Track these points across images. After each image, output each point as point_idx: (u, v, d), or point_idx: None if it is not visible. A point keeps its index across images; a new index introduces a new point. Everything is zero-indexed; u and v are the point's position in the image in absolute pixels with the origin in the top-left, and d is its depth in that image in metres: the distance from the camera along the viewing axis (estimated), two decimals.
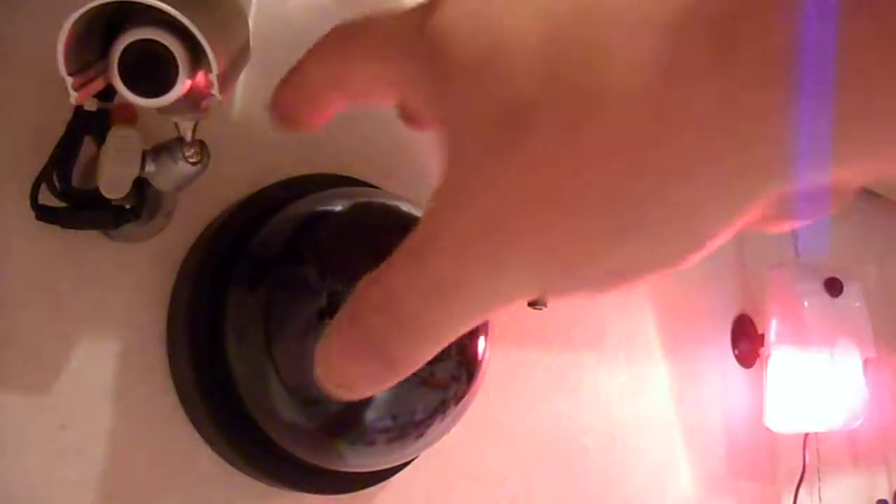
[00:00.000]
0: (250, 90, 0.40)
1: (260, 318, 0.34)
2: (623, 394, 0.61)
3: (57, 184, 0.31)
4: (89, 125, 0.31)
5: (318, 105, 0.22)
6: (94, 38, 0.27)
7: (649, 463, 0.63)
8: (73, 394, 0.34)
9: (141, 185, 0.31)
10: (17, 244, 0.32)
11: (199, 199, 0.37)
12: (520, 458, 0.52)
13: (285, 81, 0.23)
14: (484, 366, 0.37)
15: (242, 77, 0.38)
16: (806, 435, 0.78)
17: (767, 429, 0.72)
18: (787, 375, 0.71)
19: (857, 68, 0.13)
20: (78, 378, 0.34)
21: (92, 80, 0.26)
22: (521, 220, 0.15)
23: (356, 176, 0.42)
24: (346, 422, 0.34)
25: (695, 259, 0.16)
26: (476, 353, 0.36)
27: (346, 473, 0.39)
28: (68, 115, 0.31)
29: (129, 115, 0.31)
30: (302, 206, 0.37)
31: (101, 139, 0.30)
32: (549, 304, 0.49)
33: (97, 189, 0.30)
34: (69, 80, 0.25)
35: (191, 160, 0.30)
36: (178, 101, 0.26)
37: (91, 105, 0.29)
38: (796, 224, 0.18)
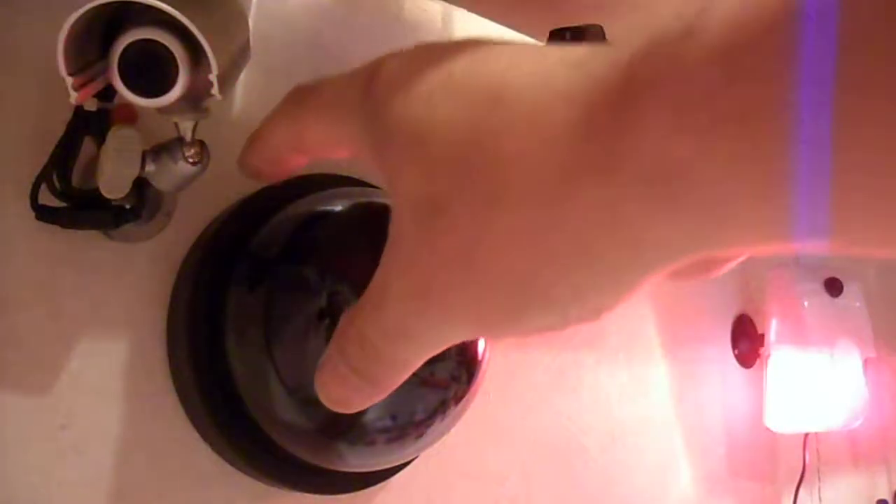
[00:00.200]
0: (250, 90, 0.40)
1: (260, 318, 0.34)
2: (623, 394, 0.61)
3: (57, 184, 0.31)
4: (89, 125, 0.31)
5: (281, 165, 0.25)
6: (94, 38, 0.27)
7: (649, 463, 0.63)
8: (73, 394, 0.34)
9: (141, 185, 0.31)
10: (17, 244, 0.32)
11: (199, 199, 0.37)
12: (520, 458, 0.52)
13: (249, 146, 0.25)
14: (484, 366, 0.37)
15: (242, 77, 0.38)
16: (806, 435, 0.77)
17: (767, 429, 0.72)
18: (787, 375, 0.71)
19: (707, 189, 0.15)
20: (78, 378, 0.34)
21: (92, 80, 0.26)
22: (447, 291, 0.18)
23: (356, 176, 0.42)
24: (345, 422, 0.34)
25: (603, 317, 0.19)
26: (476, 353, 0.36)
27: (346, 473, 0.39)
28: (68, 115, 0.31)
29: (129, 115, 0.31)
30: (302, 206, 0.37)
31: (101, 139, 0.30)
32: None
33: (97, 189, 0.30)
34: (69, 80, 0.25)
35: (191, 160, 0.30)
36: (178, 101, 0.26)
37: (91, 105, 0.29)
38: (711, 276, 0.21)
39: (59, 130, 0.31)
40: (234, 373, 0.34)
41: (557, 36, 0.37)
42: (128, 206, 0.31)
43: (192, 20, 0.25)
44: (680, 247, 0.16)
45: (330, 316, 0.33)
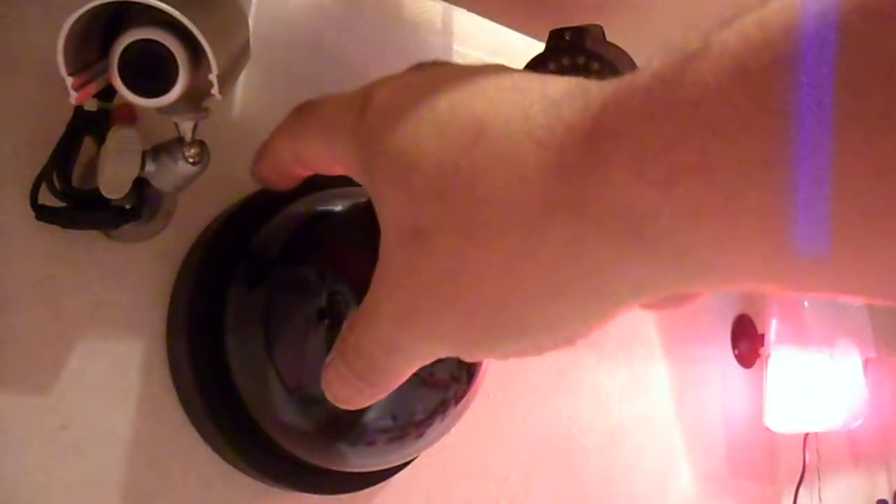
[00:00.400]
0: (250, 90, 0.40)
1: (260, 318, 0.34)
2: (623, 394, 0.61)
3: (57, 184, 0.31)
4: (89, 125, 0.31)
5: (288, 176, 0.27)
6: (94, 38, 0.27)
7: (649, 463, 0.63)
8: (73, 394, 0.34)
9: (141, 185, 0.31)
10: (17, 244, 0.32)
11: (199, 199, 0.37)
12: (520, 458, 0.52)
13: (259, 157, 0.27)
14: (484, 366, 0.37)
15: (242, 77, 0.38)
16: (806, 435, 0.78)
17: (767, 429, 0.72)
18: (787, 375, 0.71)
19: (682, 237, 0.15)
20: (78, 378, 0.34)
21: (92, 80, 0.26)
22: (429, 314, 0.19)
23: None
24: (346, 422, 0.34)
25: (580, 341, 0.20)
26: None
27: (345, 473, 0.39)
28: (68, 115, 0.31)
29: (129, 115, 0.31)
30: (302, 206, 0.37)
31: (101, 139, 0.30)
32: None
33: (97, 189, 0.30)
34: (69, 80, 0.25)
35: (191, 160, 0.30)
36: (178, 101, 0.26)
37: (91, 105, 0.29)
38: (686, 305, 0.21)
39: (59, 130, 0.31)
40: (234, 373, 0.34)
41: (557, 36, 0.37)
42: (128, 206, 0.31)
43: (192, 20, 0.25)
44: (649, 286, 0.17)
45: (330, 316, 0.33)
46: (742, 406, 0.74)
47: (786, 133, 0.12)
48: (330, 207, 0.37)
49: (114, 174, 0.29)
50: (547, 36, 0.37)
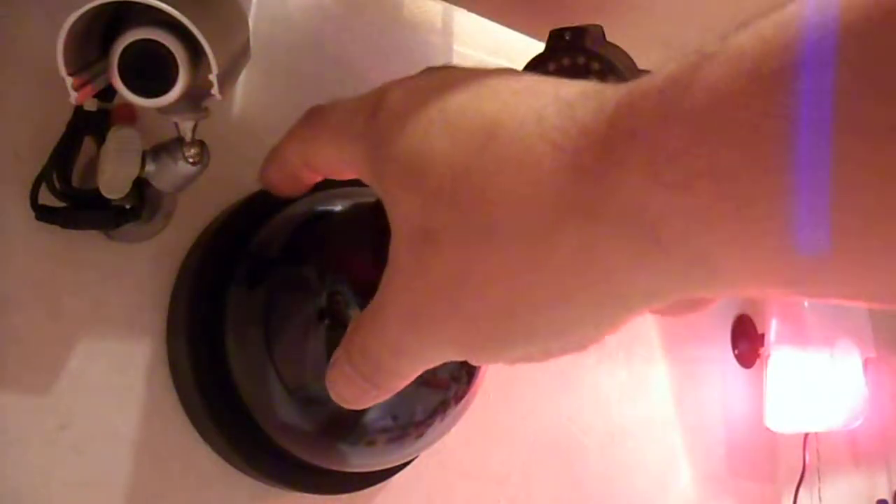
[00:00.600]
0: (250, 90, 0.40)
1: (260, 318, 0.34)
2: (623, 394, 0.61)
3: (57, 184, 0.31)
4: (89, 125, 0.31)
5: (297, 181, 0.27)
6: (94, 38, 0.27)
7: (649, 463, 0.63)
8: (73, 394, 0.34)
9: (141, 185, 0.31)
10: (17, 244, 0.32)
11: (199, 199, 0.37)
12: (520, 458, 0.52)
13: (268, 162, 0.27)
14: (484, 366, 0.37)
15: (242, 77, 0.38)
16: (806, 435, 0.78)
17: (767, 429, 0.72)
18: (787, 375, 0.71)
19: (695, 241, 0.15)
20: (78, 378, 0.34)
21: (92, 80, 0.26)
22: (436, 318, 0.19)
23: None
24: (346, 422, 0.34)
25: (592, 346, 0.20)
26: None
27: (345, 473, 0.39)
28: (68, 115, 0.31)
29: (129, 115, 0.31)
30: (302, 206, 0.37)
31: (101, 139, 0.30)
32: None
33: (97, 189, 0.30)
34: (69, 80, 0.25)
35: (191, 160, 0.30)
36: (178, 101, 0.26)
37: (91, 105, 0.29)
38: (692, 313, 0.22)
39: (59, 130, 0.31)
40: (234, 373, 0.34)
41: (557, 36, 0.37)
42: (128, 206, 0.31)
43: (193, 20, 0.25)
44: (662, 291, 0.17)
45: (330, 316, 0.33)
46: (742, 406, 0.74)
47: (788, 140, 0.12)
48: (330, 207, 0.37)
49: (114, 174, 0.29)
50: (547, 36, 0.37)
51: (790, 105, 0.12)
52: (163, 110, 0.27)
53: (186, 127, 0.29)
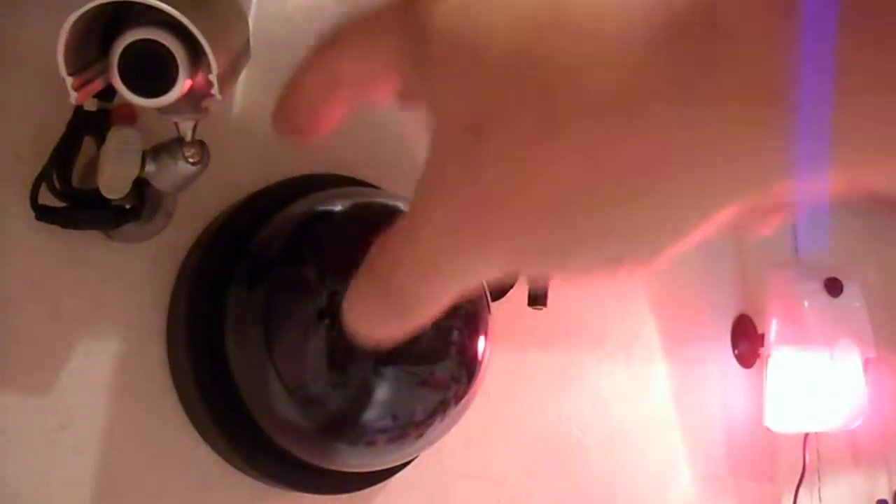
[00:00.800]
0: (250, 90, 0.40)
1: (260, 318, 0.34)
2: (623, 394, 0.61)
3: (57, 184, 0.31)
4: (89, 125, 0.31)
5: (318, 111, 0.23)
6: (94, 38, 0.27)
7: (649, 463, 0.63)
8: (73, 394, 0.34)
9: (141, 185, 0.31)
10: (17, 244, 0.32)
11: (199, 199, 0.37)
12: (520, 458, 0.52)
13: (282, 97, 0.23)
14: (484, 366, 0.37)
15: (242, 77, 0.38)
16: (806, 435, 0.77)
17: (767, 429, 0.72)
18: (787, 375, 0.71)
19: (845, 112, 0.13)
20: (78, 378, 0.34)
21: (92, 80, 0.26)
22: (488, 223, 0.16)
23: (356, 176, 0.42)
24: (346, 422, 0.34)
25: (664, 258, 0.17)
26: (476, 353, 0.36)
27: (345, 473, 0.39)
28: (68, 115, 0.31)
29: (129, 115, 0.31)
30: (302, 206, 0.37)
31: (101, 139, 0.30)
32: (548, 305, 0.49)
33: (97, 189, 0.30)
34: (69, 80, 0.25)
35: (191, 160, 0.30)
36: (178, 101, 0.26)
37: (91, 105, 0.29)
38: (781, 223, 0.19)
39: (59, 130, 0.31)
40: (234, 373, 0.34)
41: None
42: (128, 206, 0.31)
43: (192, 20, 0.25)
44: (758, 178, 0.15)
45: (330, 316, 0.33)
46: (742, 406, 0.74)
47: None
48: (330, 207, 0.37)
49: (114, 174, 0.29)
50: None
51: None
52: (163, 110, 0.27)
53: (186, 127, 0.29)
